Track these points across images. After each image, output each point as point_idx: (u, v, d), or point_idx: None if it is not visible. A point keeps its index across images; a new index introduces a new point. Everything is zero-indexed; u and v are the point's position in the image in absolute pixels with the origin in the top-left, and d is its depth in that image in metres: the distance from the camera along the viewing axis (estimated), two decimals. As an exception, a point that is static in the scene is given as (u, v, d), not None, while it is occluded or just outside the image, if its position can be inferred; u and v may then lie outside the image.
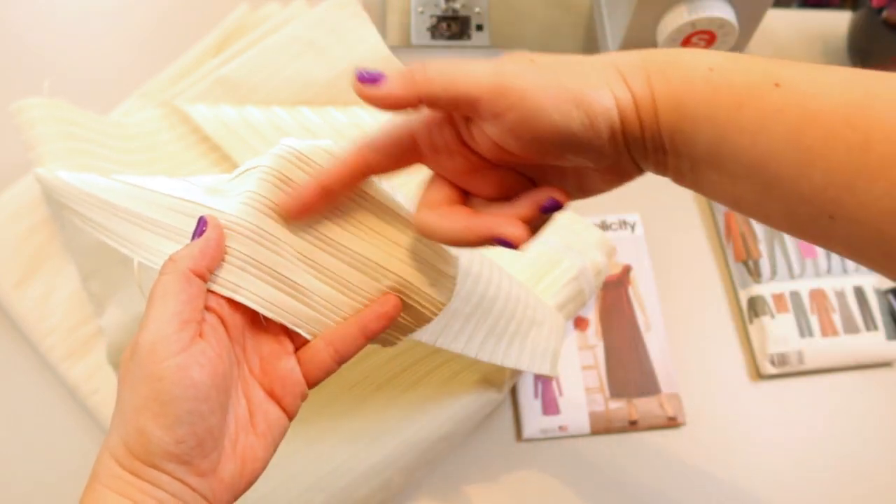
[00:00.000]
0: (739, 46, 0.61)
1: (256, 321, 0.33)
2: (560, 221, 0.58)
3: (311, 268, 0.33)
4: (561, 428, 0.53)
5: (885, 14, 0.63)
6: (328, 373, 0.34)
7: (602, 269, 0.55)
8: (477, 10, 0.65)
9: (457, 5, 0.65)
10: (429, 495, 0.52)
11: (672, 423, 0.54)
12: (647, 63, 0.28)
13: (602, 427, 0.54)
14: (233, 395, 0.31)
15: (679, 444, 0.54)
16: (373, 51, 0.58)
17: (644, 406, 0.54)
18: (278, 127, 0.55)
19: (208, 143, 0.56)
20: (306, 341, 0.34)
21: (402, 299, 0.34)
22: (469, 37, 0.64)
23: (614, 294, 0.58)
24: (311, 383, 0.34)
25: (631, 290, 0.59)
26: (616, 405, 0.54)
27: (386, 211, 0.34)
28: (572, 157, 0.29)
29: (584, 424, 0.54)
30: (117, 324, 0.42)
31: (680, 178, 0.30)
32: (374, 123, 0.55)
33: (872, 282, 0.58)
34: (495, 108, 0.28)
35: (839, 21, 0.73)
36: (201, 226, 0.31)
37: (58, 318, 0.53)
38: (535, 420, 0.54)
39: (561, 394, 0.54)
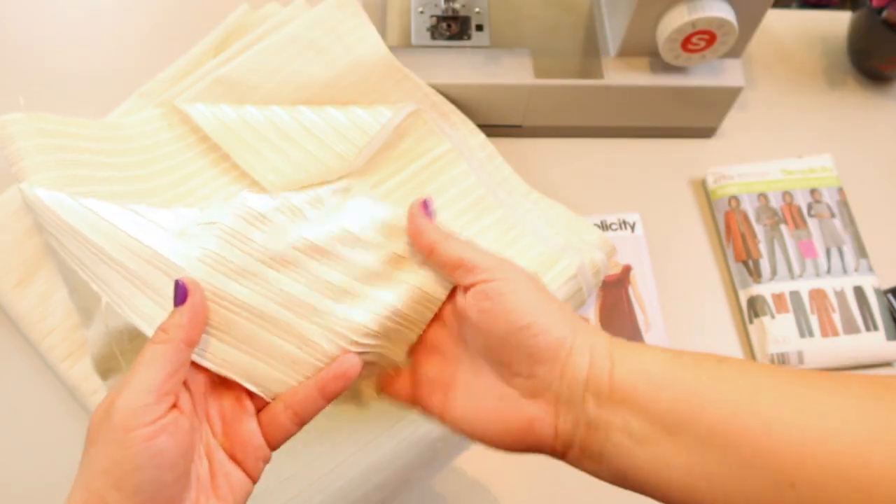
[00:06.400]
0: (739, 46, 0.61)
1: (217, 382, 0.33)
2: (560, 221, 0.58)
3: (269, 324, 0.33)
4: (561, 428, 0.53)
5: (885, 14, 0.63)
6: (289, 435, 0.34)
7: (601, 267, 0.55)
8: (477, 10, 0.65)
9: (457, 5, 0.65)
10: (428, 495, 0.52)
11: (672, 423, 0.54)
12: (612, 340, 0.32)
13: (602, 427, 0.54)
14: (195, 457, 0.31)
15: (679, 444, 0.54)
16: (372, 51, 0.58)
17: (644, 406, 0.54)
18: (277, 126, 0.55)
19: (208, 142, 0.56)
20: (267, 401, 0.34)
21: (361, 357, 0.34)
22: (469, 37, 0.64)
23: (614, 294, 0.58)
24: (273, 445, 0.34)
25: (631, 290, 0.59)
26: (616, 405, 0.54)
27: (358, 270, 0.34)
28: (519, 364, 0.32)
29: (584, 424, 0.53)
30: (99, 335, 0.42)
31: (609, 452, 0.31)
32: (374, 123, 0.55)
33: (872, 282, 0.58)
34: (487, 287, 0.32)
35: (839, 21, 0.73)
36: (181, 291, 0.31)
37: (58, 318, 0.53)
38: (534, 420, 0.53)
39: (561, 394, 0.54)
